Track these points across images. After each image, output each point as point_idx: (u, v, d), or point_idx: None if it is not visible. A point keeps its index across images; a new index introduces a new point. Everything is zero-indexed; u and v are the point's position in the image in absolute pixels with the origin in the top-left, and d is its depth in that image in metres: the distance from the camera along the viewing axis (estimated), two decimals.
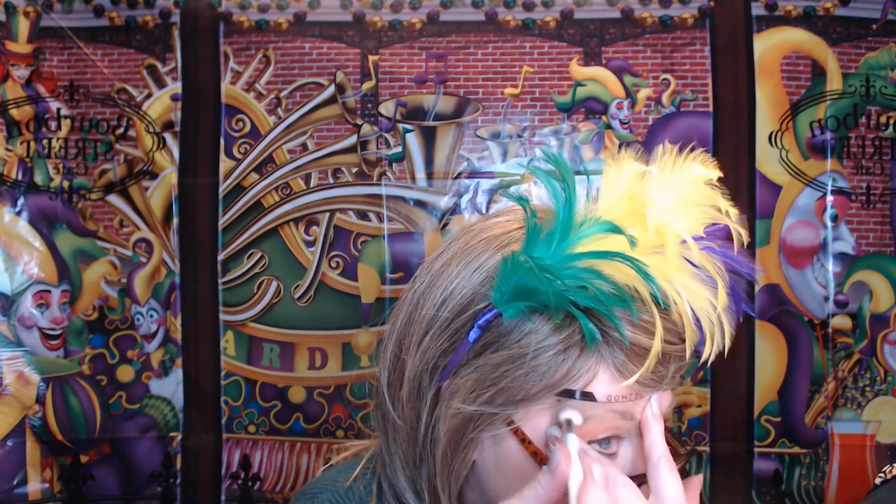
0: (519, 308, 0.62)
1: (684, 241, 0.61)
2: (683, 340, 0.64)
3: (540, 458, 0.62)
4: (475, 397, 0.64)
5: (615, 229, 0.60)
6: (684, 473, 0.63)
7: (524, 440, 0.63)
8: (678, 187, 0.64)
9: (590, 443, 0.63)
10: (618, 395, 0.62)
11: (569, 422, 0.61)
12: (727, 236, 0.66)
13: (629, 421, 0.63)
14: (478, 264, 0.66)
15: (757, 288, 1.59)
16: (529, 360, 0.62)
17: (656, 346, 0.60)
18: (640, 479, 0.61)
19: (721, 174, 0.66)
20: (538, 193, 0.66)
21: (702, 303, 0.61)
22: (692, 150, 0.66)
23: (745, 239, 0.65)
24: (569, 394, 0.62)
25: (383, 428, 0.72)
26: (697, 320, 0.62)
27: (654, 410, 0.63)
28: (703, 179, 0.65)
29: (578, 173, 0.64)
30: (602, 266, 0.60)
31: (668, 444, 0.66)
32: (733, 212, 0.65)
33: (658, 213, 0.61)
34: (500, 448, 0.66)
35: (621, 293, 0.60)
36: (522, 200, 0.64)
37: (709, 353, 0.63)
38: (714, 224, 0.65)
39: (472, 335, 0.64)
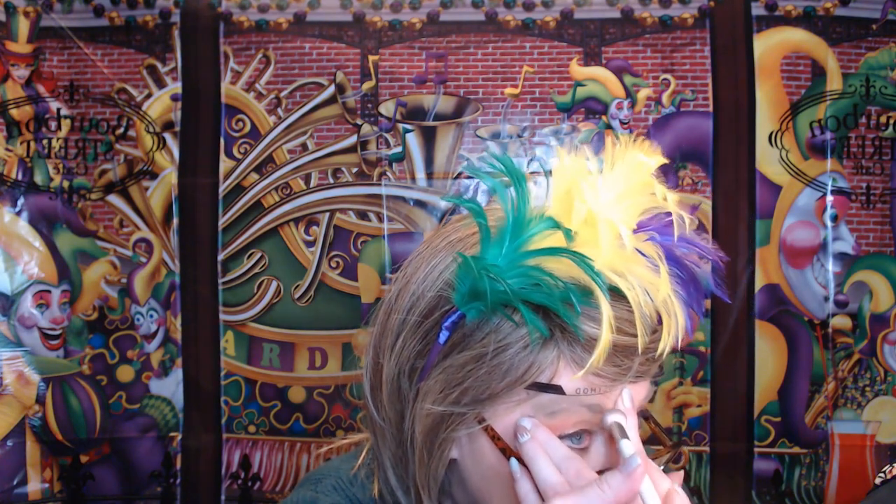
0: (479, 308, 0.63)
1: (637, 231, 0.62)
2: (649, 332, 0.63)
3: (509, 453, 0.63)
4: (444, 397, 0.65)
5: (556, 225, 0.61)
6: (677, 461, 0.63)
7: (494, 436, 0.64)
8: (618, 178, 0.64)
9: (561, 437, 0.63)
10: (585, 388, 0.62)
11: (618, 426, 0.61)
12: (696, 226, 0.66)
13: (598, 414, 0.63)
14: (442, 267, 0.67)
15: (757, 287, 1.59)
16: (490, 358, 0.63)
17: (605, 337, 0.60)
18: None
19: (665, 160, 0.66)
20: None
21: (655, 294, 0.62)
22: (636, 139, 0.66)
23: (688, 222, 0.65)
24: (538, 386, 0.62)
25: (373, 430, 0.73)
26: (658, 312, 0.62)
27: (626, 404, 0.63)
28: (643, 167, 0.65)
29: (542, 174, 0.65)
30: (549, 262, 0.61)
31: (656, 435, 0.66)
32: (672, 197, 0.65)
33: (586, 206, 0.61)
34: (475, 445, 0.67)
35: (569, 288, 0.60)
36: (467, 203, 0.64)
37: (664, 343, 0.63)
38: (652, 210, 0.65)
39: (442, 337, 0.65)
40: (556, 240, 0.61)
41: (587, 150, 0.65)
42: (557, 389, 0.62)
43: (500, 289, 0.60)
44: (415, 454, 0.68)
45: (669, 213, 0.65)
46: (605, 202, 0.62)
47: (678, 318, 0.63)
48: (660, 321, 0.64)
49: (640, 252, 0.62)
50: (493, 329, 0.63)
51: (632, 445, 0.59)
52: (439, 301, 0.66)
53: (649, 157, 0.65)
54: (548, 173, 0.65)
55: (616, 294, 0.61)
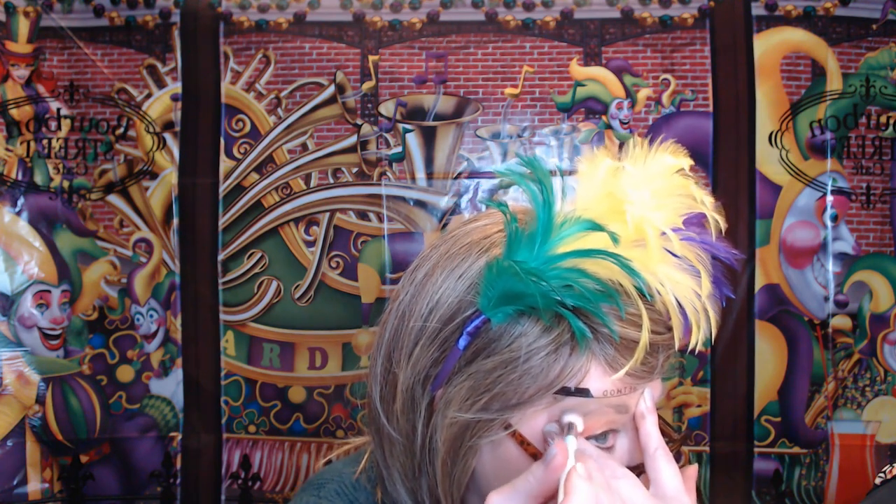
0: (507, 312, 0.62)
1: (664, 233, 0.62)
2: (670, 329, 0.64)
3: (540, 457, 0.62)
4: (471, 405, 0.64)
5: (596, 227, 0.60)
6: (677, 460, 0.63)
7: (523, 442, 0.63)
8: (652, 180, 0.64)
9: (588, 438, 0.63)
10: (612, 390, 0.62)
11: (570, 425, 0.61)
12: (701, 223, 0.66)
13: (624, 414, 0.64)
14: (461, 271, 0.65)
15: (757, 287, 1.59)
16: (522, 363, 0.62)
17: (644, 337, 0.60)
18: (639, 470, 0.62)
19: (691, 162, 0.66)
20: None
21: (685, 292, 0.62)
22: (661, 142, 0.66)
23: (723, 225, 0.65)
24: (566, 391, 0.62)
25: (378, 442, 0.71)
26: (682, 309, 0.62)
27: (648, 403, 0.63)
28: (675, 169, 0.65)
29: (553, 174, 0.65)
30: (586, 264, 0.61)
31: (661, 430, 0.66)
32: (708, 199, 0.65)
33: (636, 208, 0.61)
34: (499, 452, 0.65)
35: (606, 289, 0.60)
36: (502, 206, 0.64)
37: (695, 340, 0.63)
38: (690, 213, 0.65)
39: (462, 343, 0.63)
40: (591, 241, 0.61)
41: (612, 151, 0.65)
42: (585, 393, 0.62)
43: (547, 290, 0.60)
44: (434, 464, 0.67)
45: (690, 213, 0.65)
46: (647, 205, 0.62)
47: (710, 316, 0.63)
48: (668, 318, 0.64)
49: (670, 252, 0.62)
50: (521, 333, 0.62)
51: (575, 441, 0.59)
52: (460, 306, 0.64)
53: (677, 158, 0.65)
54: (561, 172, 0.65)
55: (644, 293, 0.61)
